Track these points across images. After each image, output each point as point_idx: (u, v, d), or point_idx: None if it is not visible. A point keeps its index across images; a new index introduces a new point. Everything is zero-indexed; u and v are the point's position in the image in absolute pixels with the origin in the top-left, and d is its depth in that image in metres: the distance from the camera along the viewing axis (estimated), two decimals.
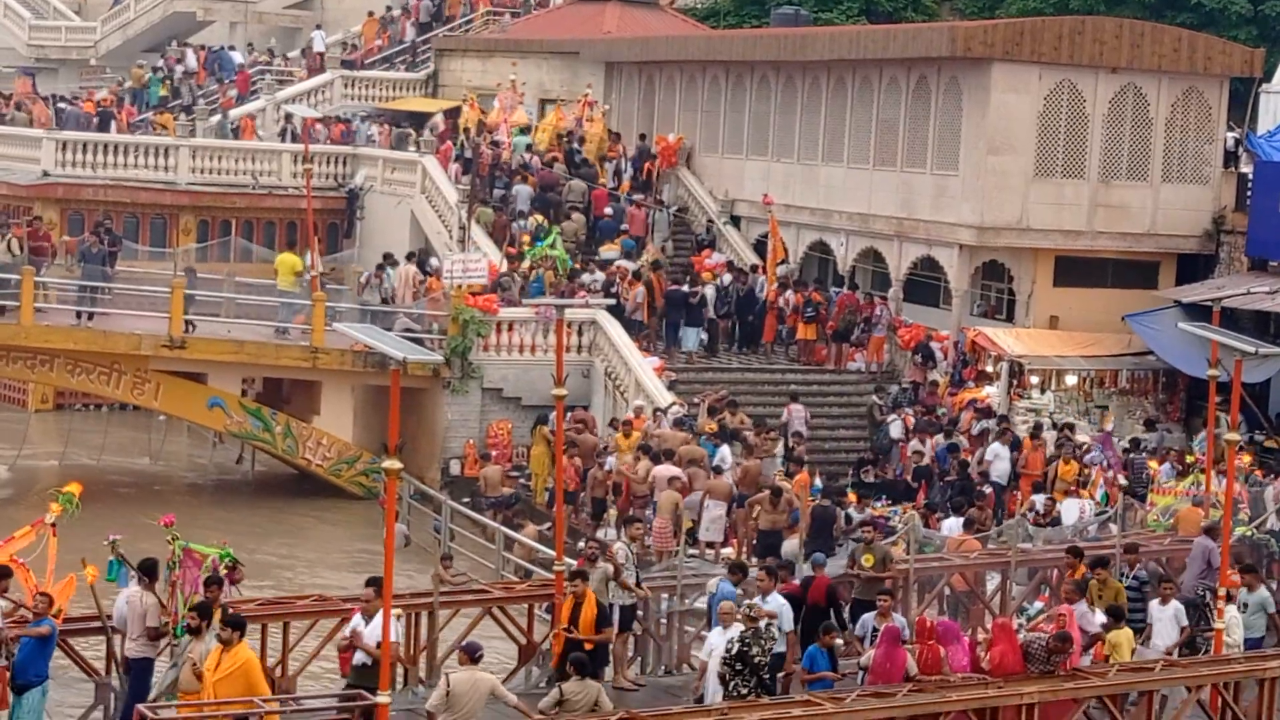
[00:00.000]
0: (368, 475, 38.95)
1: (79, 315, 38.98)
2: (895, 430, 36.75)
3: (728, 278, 42.29)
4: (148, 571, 19.34)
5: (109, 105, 53.01)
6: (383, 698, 17.29)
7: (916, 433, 36.22)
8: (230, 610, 18.22)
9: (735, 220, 46.83)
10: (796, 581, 22.69)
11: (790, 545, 29.07)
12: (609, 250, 43.86)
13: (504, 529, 31.53)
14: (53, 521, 19.53)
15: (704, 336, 41.36)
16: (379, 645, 17.62)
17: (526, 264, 41.92)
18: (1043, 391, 37.89)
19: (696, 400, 37.70)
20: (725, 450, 33.91)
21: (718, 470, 32.85)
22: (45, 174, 47.87)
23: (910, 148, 41.52)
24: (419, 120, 52.83)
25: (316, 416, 40.22)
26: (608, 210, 45.80)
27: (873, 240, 42.69)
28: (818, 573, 22.68)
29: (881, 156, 42.40)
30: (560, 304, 28.92)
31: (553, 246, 41.65)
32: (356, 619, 19.82)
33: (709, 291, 41.56)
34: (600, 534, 30.51)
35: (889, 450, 36.51)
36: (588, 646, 20.43)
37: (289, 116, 51.27)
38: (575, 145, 47.65)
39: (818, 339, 41.62)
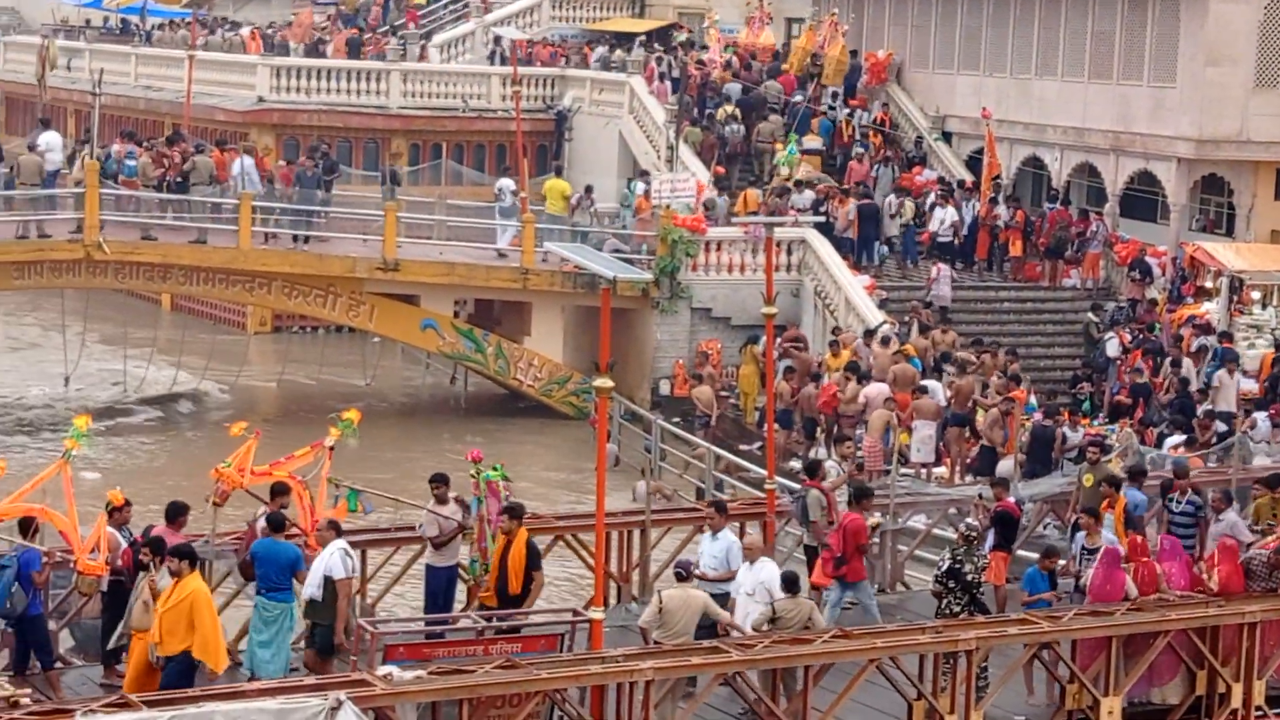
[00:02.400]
0: (578, 395, 39.15)
1: (295, 239, 39.55)
2: (1112, 348, 36.09)
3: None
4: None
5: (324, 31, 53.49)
6: (596, 614, 17.40)
7: (1134, 350, 35.58)
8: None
9: (946, 136, 46.20)
10: (1012, 499, 22.46)
11: (1006, 464, 28.74)
12: (811, 140, 43.74)
13: (715, 448, 31.52)
14: (331, 445, 19.79)
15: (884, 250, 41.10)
16: None
17: (785, 172, 41.84)
18: (1264, 307, 36.99)
19: (906, 319, 37.34)
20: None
21: (926, 390, 32.55)
22: (260, 100, 48.59)
23: (1126, 59, 40.63)
24: (626, 40, 52.75)
25: (527, 337, 40.47)
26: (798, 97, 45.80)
27: (1088, 155, 41.91)
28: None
29: (1097, 69, 41.55)
30: (769, 222, 28.82)
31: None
32: None
33: (947, 214, 41.08)
34: (812, 453, 30.39)
35: (1105, 368, 35.90)
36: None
37: (498, 39, 51.46)
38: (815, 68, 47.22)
39: (1027, 255, 40.98)
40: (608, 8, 56.27)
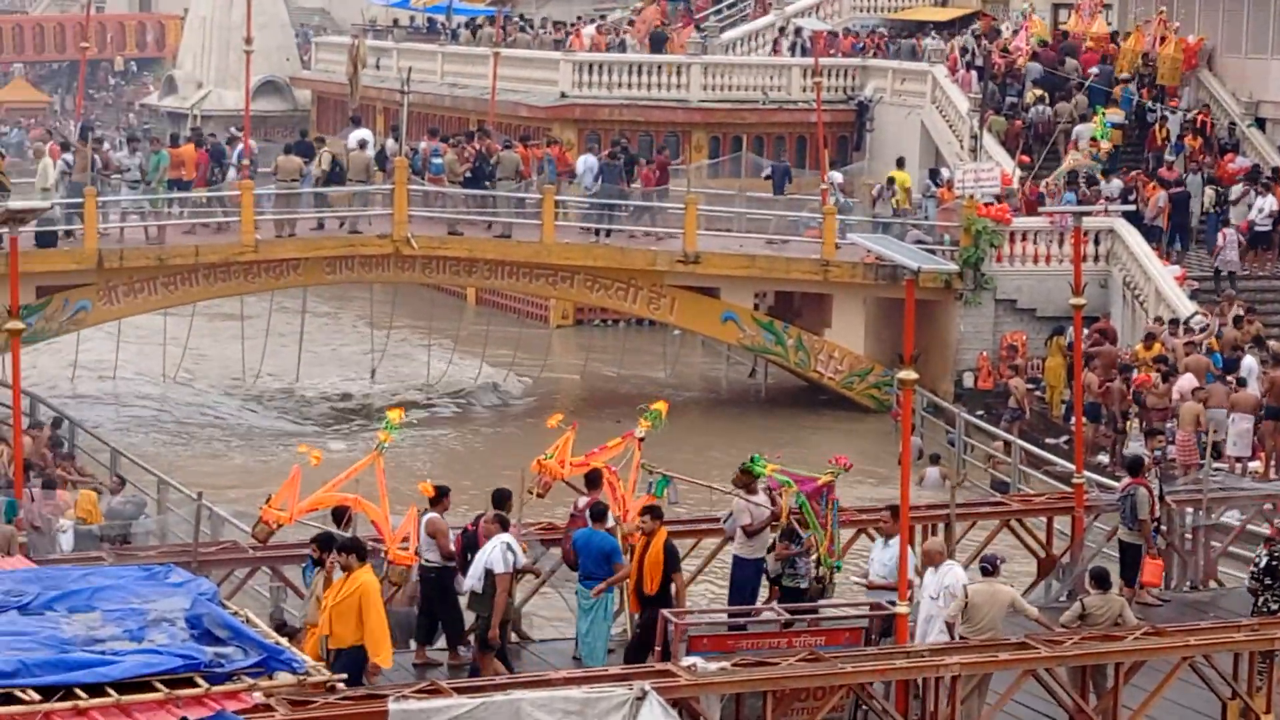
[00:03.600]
0: (879, 388, 38.86)
1: (597, 233, 39.90)
2: None
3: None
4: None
5: (661, 26, 53.54)
6: (902, 608, 17.22)
7: None
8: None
9: (1260, 123, 44.85)
10: None
11: None
12: (1113, 114, 42.95)
13: (1020, 441, 31.03)
14: (641, 436, 19.95)
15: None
16: None
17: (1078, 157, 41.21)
18: None
19: (1218, 309, 36.37)
20: (1250, 360, 32.63)
21: (1243, 382, 31.64)
22: (563, 95, 49.14)
23: None
24: (927, 29, 52.22)
25: (828, 329, 40.25)
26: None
27: None
28: None
29: None
30: (1076, 211, 28.23)
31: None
32: None
33: (1266, 202, 39.95)
34: (1121, 448, 29.76)
35: None
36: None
37: (798, 30, 51.33)
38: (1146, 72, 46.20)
39: None
40: None
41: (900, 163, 42.90)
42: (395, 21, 64.49)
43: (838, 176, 41.65)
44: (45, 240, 36.07)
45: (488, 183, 39.71)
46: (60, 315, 36.70)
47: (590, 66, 49.57)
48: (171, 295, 38.12)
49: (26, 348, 25.42)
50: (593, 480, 19.47)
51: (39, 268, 35.08)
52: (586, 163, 40.62)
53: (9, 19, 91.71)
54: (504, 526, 18.36)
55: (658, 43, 51.73)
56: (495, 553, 18.01)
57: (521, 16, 61.33)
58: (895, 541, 18.52)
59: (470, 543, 18.62)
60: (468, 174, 39.70)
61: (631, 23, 54.63)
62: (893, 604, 17.59)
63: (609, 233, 39.93)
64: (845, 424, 38.48)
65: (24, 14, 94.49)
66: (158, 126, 62.97)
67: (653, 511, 18.60)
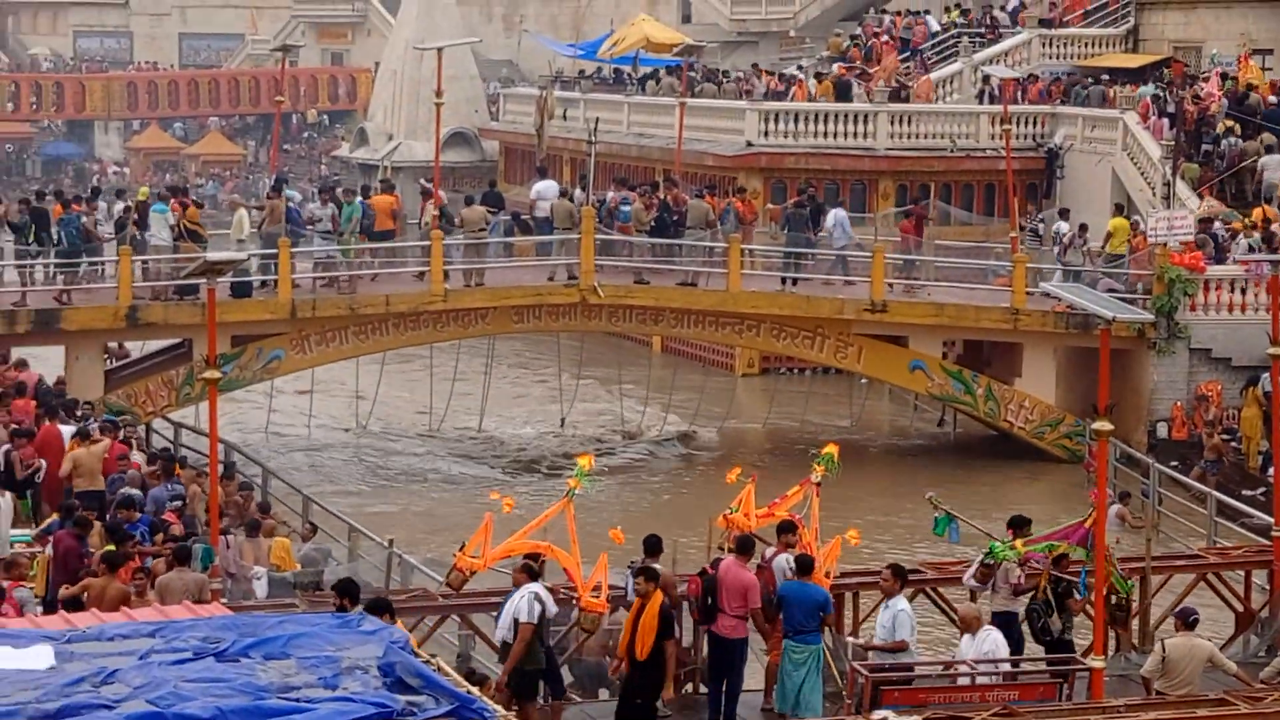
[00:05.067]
0: (1071, 438, 38.34)
1: (783, 281, 39.83)
2: None
3: None
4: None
5: (845, 75, 53.19)
6: (1096, 663, 16.93)
7: None
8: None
9: None
10: None
11: None
12: None
13: (1216, 493, 30.43)
14: (817, 481, 19.91)
15: None
16: None
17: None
18: None
19: None
20: None
21: None
22: (749, 144, 49.18)
23: None
24: (1118, 76, 51.60)
25: (1018, 378, 39.81)
26: None
27: None
28: None
29: None
30: (1273, 259, 27.68)
31: None
32: None
33: None
34: None
35: None
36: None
37: (986, 78, 50.98)
38: None
39: None
40: (1100, 44, 55.13)
41: (1119, 209, 42.21)
42: (582, 73, 64.98)
43: (1064, 226, 41.18)
44: (240, 290, 36.72)
45: (674, 231, 39.82)
46: (254, 364, 37.30)
47: (776, 115, 49.57)
48: (362, 344, 38.63)
49: (222, 396, 25.81)
50: (785, 529, 19.39)
51: (234, 317, 35.77)
52: (837, 216, 40.43)
53: (205, 73, 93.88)
54: (531, 576, 18.21)
55: (843, 91, 51.54)
56: (522, 602, 17.83)
57: (705, 67, 61.47)
58: (895, 601, 18.37)
59: (710, 586, 18.59)
60: (654, 223, 39.85)
61: (866, 74, 53.80)
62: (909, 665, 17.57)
63: (795, 281, 39.84)
64: (1036, 474, 38.03)
65: (219, 68, 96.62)
66: (348, 178, 63.97)
67: (647, 573, 18.10)
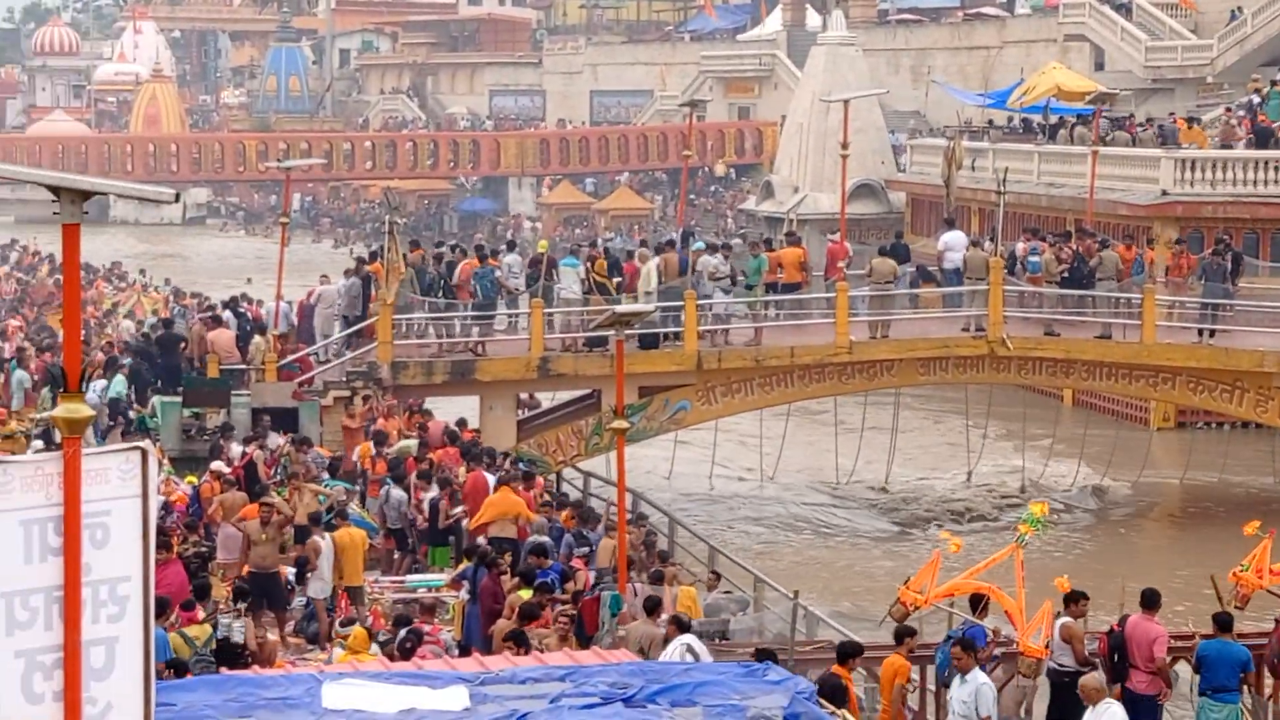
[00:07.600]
0: None
1: (1200, 333, 38.66)
2: None
3: None
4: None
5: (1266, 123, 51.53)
6: None
7: None
8: None
9: None
10: None
11: None
12: None
13: None
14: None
15: None
16: None
17: None
18: None
19: None
20: None
21: None
22: (1164, 193, 47.97)
23: None
24: None
25: None
26: None
27: None
28: None
29: None
30: None
31: None
32: None
33: None
34: None
35: None
36: None
37: None
38: None
39: None
40: None
41: None
42: (990, 122, 64.33)
43: None
44: (647, 342, 37.13)
45: (1088, 282, 38.98)
46: (661, 415, 37.65)
47: (1194, 164, 48.26)
48: (767, 396, 38.67)
49: (630, 446, 26.10)
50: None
51: (641, 369, 36.17)
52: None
53: (616, 130, 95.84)
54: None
55: (1263, 138, 49.90)
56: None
57: (1119, 115, 60.24)
58: (973, 676, 17.38)
59: (1117, 644, 18.35)
60: (1064, 273, 39.08)
61: None
62: None
63: (1213, 333, 38.62)
64: None
65: (629, 124, 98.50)
66: (753, 230, 64.34)
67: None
